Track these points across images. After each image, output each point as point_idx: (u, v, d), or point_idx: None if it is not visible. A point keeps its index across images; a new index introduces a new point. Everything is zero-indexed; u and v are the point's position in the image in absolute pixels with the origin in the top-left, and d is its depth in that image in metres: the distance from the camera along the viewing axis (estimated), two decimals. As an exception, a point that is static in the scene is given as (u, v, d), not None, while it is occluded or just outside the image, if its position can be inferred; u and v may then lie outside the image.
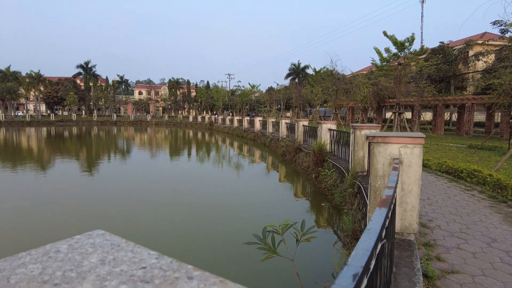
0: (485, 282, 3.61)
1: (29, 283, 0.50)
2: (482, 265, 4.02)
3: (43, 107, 77.41)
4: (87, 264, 0.55)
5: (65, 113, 75.80)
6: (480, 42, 32.97)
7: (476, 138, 22.39)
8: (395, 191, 2.72)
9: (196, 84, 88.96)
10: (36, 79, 66.04)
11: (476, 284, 3.57)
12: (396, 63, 23.40)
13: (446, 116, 38.94)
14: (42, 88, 68.94)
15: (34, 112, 70.41)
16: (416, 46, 23.96)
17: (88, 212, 9.28)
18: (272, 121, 27.42)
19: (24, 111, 72.50)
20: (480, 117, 39.18)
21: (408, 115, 35.38)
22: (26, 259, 0.57)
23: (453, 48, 32.36)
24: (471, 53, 32.41)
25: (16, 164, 18.34)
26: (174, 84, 78.04)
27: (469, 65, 31.91)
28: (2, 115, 61.16)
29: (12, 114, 66.04)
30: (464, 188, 8.18)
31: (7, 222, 8.34)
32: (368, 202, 4.96)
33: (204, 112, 73.14)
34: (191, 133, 44.05)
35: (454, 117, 38.83)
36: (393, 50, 22.71)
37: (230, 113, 67.19)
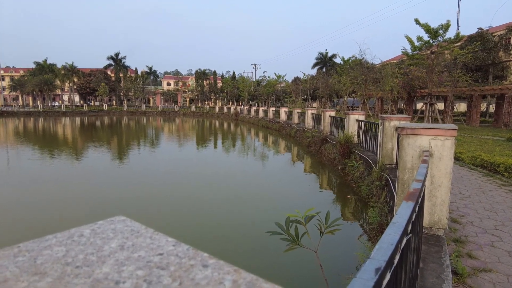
0: (520, 282, 3.42)
1: (53, 264, 0.52)
2: (518, 264, 3.81)
3: (76, 98, 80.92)
4: (107, 249, 0.57)
5: (97, 103, 78.81)
6: (524, 27, 30.70)
7: (516, 131, 21.08)
8: (423, 185, 2.62)
9: (222, 75, 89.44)
10: (70, 70, 69.02)
11: (511, 284, 3.39)
12: (428, 52, 22.33)
13: (483, 107, 36.82)
14: (75, 80, 72.07)
15: (69, 102, 73.81)
16: (451, 33, 22.58)
17: (112, 197, 9.70)
18: (298, 112, 27.13)
19: (60, 102, 76.16)
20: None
21: (440, 106, 33.82)
22: (52, 242, 0.60)
23: (493, 35, 30.38)
24: (513, 39, 30.30)
25: (55, 150, 19.39)
26: (201, 75, 78.97)
27: (511, 52, 29.90)
28: (40, 106, 64.66)
29: (49, 104, 69.61)
30: (500, 183, 7.76)
31: (38, 204, 8.87)
32: (395, 195, 4.83)
33: (230, 103, 73.54)
34: (217, 123, 44.56)
35: (492, 108, 36.66)
36: (426, 38, 21.67)
37: (256, 104, 67.10)
